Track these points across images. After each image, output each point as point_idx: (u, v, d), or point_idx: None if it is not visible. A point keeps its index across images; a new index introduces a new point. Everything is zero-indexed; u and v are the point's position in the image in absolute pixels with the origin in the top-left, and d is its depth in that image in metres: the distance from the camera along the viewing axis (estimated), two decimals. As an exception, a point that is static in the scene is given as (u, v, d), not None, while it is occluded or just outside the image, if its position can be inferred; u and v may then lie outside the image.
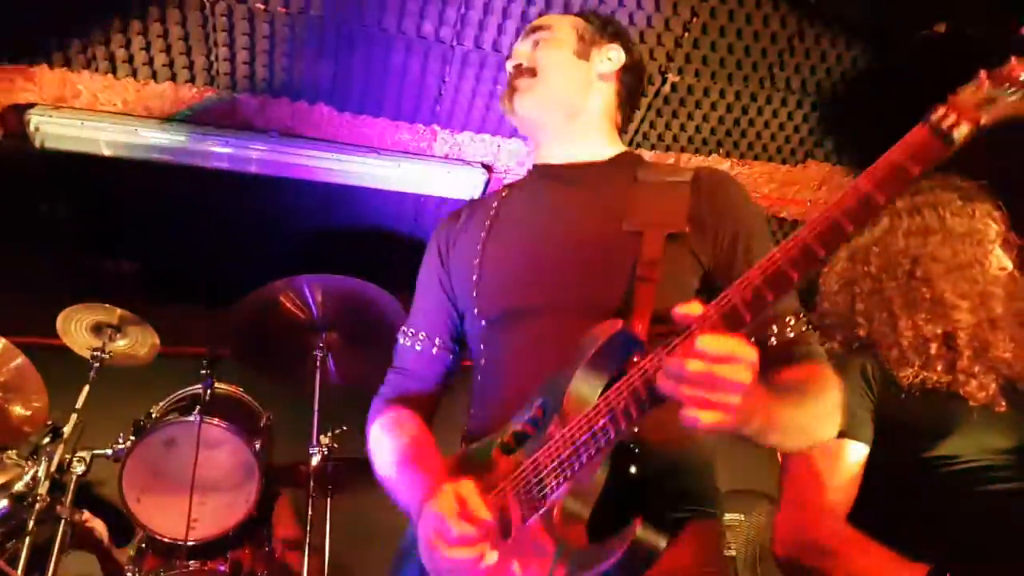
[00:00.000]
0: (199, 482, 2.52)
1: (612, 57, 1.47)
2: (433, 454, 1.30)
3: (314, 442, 2.75)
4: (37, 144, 2.56)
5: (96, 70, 2.45)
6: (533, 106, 1.42)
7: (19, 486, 2.61)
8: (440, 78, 2.55)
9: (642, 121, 2.79)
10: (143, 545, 2.76)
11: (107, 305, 2.85)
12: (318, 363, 2.89)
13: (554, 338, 1.18)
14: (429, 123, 2.72)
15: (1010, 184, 1.66)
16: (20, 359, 2.91)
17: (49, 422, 2.79)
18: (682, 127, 2.83)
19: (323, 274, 2.72)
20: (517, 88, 1.41)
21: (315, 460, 2.73)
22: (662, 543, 0.93)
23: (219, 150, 2.69)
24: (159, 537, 2.60)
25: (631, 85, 1.51)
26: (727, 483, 4.09)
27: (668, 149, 2.92)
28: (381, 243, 3.35)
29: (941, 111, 0.82)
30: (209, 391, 2.71)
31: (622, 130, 1.52)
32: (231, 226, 3.13)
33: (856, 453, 1.47)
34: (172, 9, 2.27)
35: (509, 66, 1.46)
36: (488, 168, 2.97)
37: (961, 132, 0.82)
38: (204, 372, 2.75)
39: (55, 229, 3.13)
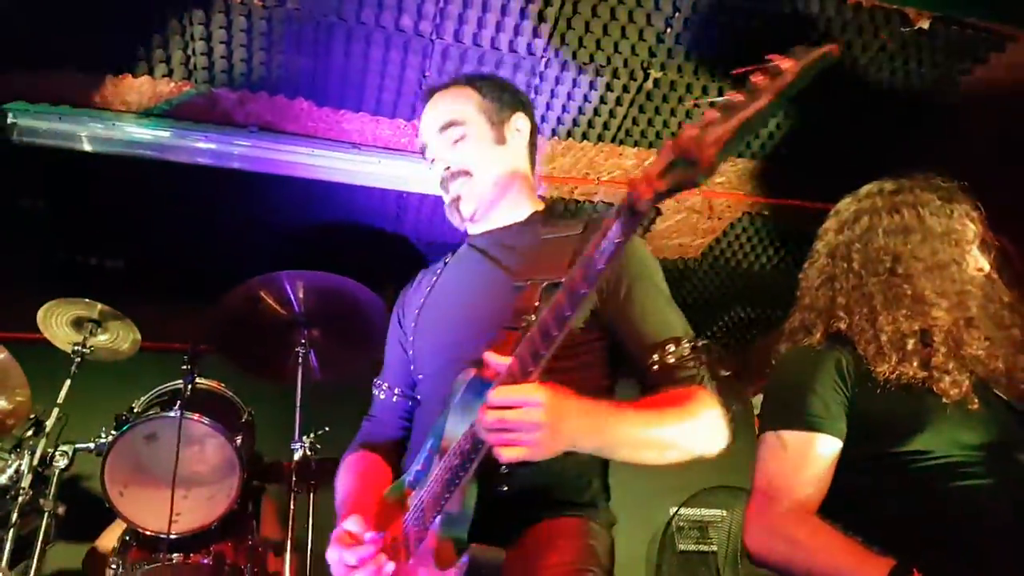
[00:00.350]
0: (181, 476, 2.53)
1: (520, 128, 1.61)
2: (369, 495, 1.47)
3: (296, 438, 2.77)
4: (15, 138, 2.54)
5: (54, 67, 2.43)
6: (479, 204, 1.55)
7: (2, 479, 2.63)
8: (420, 72, 2.54)
9: (624, 118, 2.79)
10: (127, 538, 2.77)
11: (87, 300, 2.85)
12: (300, 360, 2.89)
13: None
14: (409, 119, 2.71)
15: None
16: (2, 354, 2.92)
17: (32, 416, 2.80)
18: (664, 124, 2.83)
19: (304, 270, 2.72)
20: (461, 196, 1.52)
21: (297, 455, 2.75)
22: (500, 556, 1.12)
23: (201, 145, 2.69)
24: (142, 530, 2.62)
25: (535, 138, 1.65)
26: (710, 480, 4.13)
27: (651, 146, 2.92)
28: (363, 240, 3.35)
29: (629, 191, 0.98)
30: (191, 386, 2.71)
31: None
32: (213, 222, 3.12)
33: (828, 447, 1.48)
34: (148, 3, 2.25)
35: (439, 168, 1.57)
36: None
37: (643, 204, 0.96)
38: (186, 367, 2.74)
39: (35, 225, 3.11)
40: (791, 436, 1.48)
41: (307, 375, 2.91)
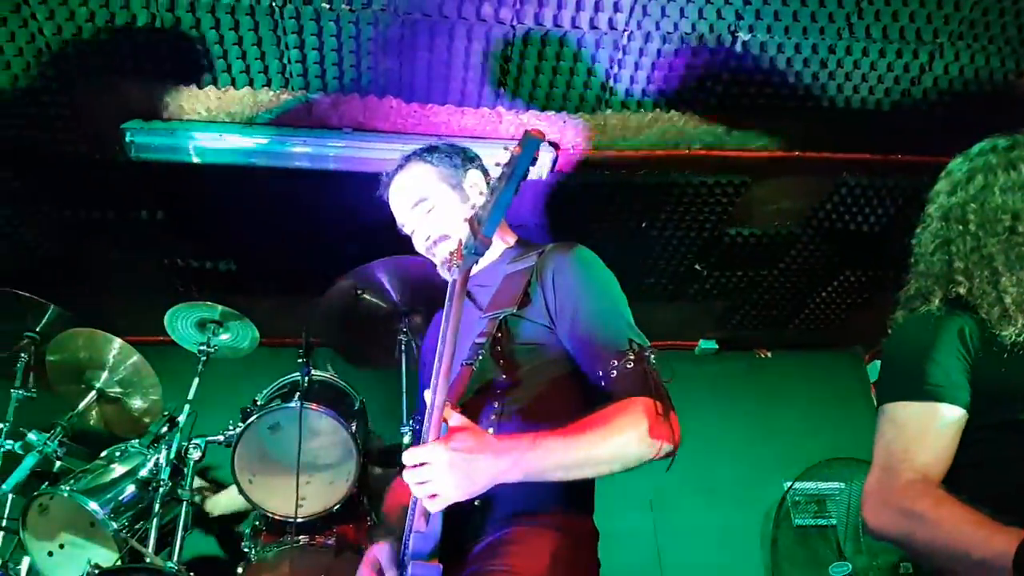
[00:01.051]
0: (304, 463, 2.70)
1: (476, 182, 1.80)
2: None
3: (404, 422, 2.89)
4: (133, 155, 2.75)
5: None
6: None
7: (144, 472, 2.86)
8: (503, 60, 2.56)
9: (714, 83, 2.72)
10: (256, 523, 2.97)
11: (209, 303, 3.05)
12: (403, 347, 3.01)
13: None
14: (494, 106, 2.75)
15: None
16: (135, 357, 3.19)
17: (165, 413, 3.04)
18: (758, 87, 2.74)
19: (395, 256, 2.80)
20: (449, 257, 1.61)
21: (406, 439, 2.86)
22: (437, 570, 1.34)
23: (299, 150, 2.82)
24: (271, 515, 2.79)
25: (489, 180, 1.81)
26: (824, 452, 4.02)
27: (742, 112, 2.83)
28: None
29: None
30: (307, 378, 2.87)
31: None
32: (315, 220, 3.26)
33: (950, 416, 1.42)
34: (244, 16, 2.37)
35: (420, 239, 1.77)
36: (555, 146, 2.97)
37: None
38: (301, 360, 2.90)
39: (156, 235, 3.35)
40: (911, 407, 1.44)
41: (410, 361, 3.02)
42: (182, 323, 3.12)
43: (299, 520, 2.74)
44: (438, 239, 1.73)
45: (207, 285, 3.69)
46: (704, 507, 4.13)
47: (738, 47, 2.58)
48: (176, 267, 3.61)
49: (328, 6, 2.34)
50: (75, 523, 2.82)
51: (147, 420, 3.25)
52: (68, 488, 2.67)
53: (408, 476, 1.31)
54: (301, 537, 2.81)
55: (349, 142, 2.82)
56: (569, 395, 1.51)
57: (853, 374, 4.69)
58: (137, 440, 3.03)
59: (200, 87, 2.61)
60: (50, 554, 2.80)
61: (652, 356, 1.45)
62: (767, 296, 4.16)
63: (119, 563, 2.60)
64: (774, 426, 4.38)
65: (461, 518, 1.40)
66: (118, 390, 3.27)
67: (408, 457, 1.31)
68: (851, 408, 4.37)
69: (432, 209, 1.75)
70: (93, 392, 3.20)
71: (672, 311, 4.22)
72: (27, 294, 3.12)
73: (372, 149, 2.82)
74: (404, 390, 2.98)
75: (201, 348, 3.09)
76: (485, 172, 1.84)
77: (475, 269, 1.71)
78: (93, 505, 2.63)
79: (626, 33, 2.50)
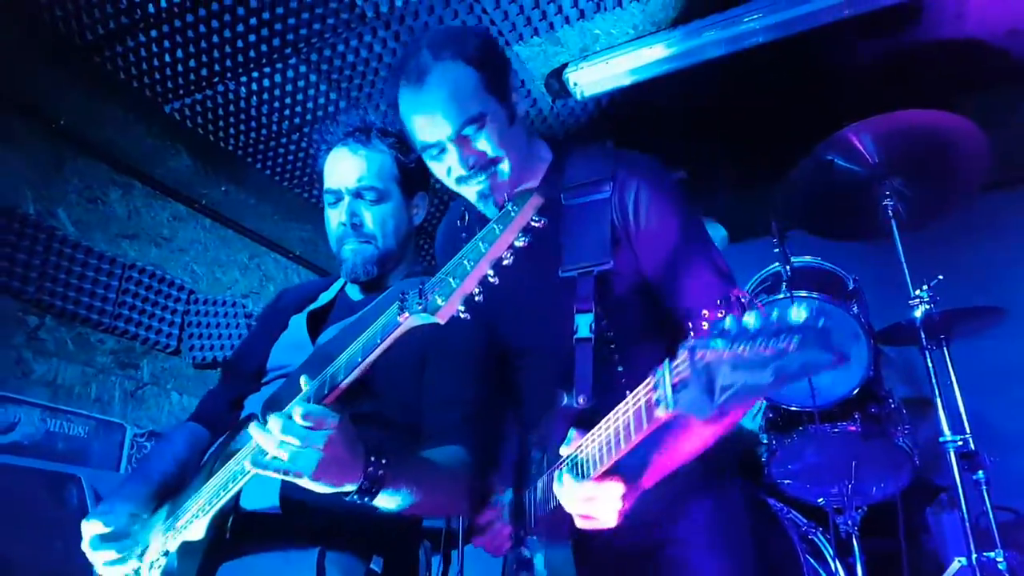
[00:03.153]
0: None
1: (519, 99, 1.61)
2: None
3: (911, 295, 2.63)
4: (579, 97, 2.94)
5: (604, 8, 2.67)
6: (513, 185, 1.55)
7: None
8: None
9: None
10: (770, 415, 3.03)
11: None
12: (890, 212, 2.73)
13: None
14: None
15: None
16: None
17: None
18: None
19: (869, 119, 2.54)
20: (495, 185, 1.52)
21: (918, 313, 2.61)
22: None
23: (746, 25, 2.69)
24: (785, 406, 2.81)
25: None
26: None
27: None
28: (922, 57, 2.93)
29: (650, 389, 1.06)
30: (788, 267, 2.79)
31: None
32: (762, 104, 3.13)
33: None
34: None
35: (459, 165, 1.50)
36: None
37: (661, 412, 1.02)
38: (776, 250, 2.83)
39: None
40: None
41: (900, 227, 2.74)
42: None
43: (818, 408, 2.71)
44: (486, 163, 1.49)
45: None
46: None
47: None
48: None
49: None
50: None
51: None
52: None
53: (571, 500, 1.24)
54: (825, 425, 2.78)
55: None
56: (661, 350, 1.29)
57: None
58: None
59: (622, 7, 2.66)
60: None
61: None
62: None
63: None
64: None
65: None
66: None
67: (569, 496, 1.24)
68: None
69: (482, 128, 1.47)
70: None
71: None
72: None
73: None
74: (902, 258, 2.71)
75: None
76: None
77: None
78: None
79: None
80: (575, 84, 2.94)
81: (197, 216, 3.84)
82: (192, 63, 2.92)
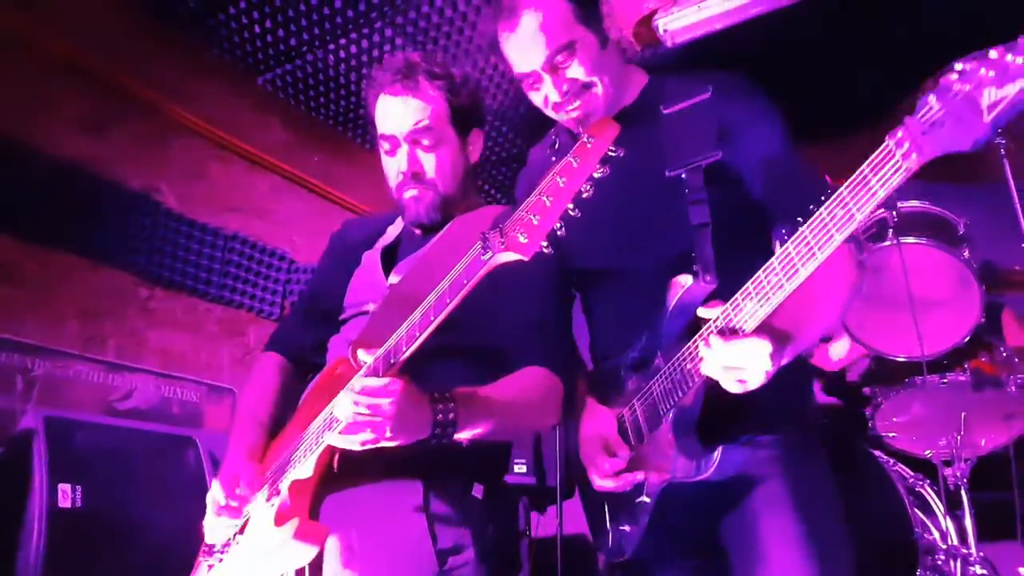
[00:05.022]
0: (919, 301, 2.57)
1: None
2: None
3: (1026, 236, 2.53)
4: (669, 44, 2.90)
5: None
6: (608, 110, 1.59)
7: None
8: None
9: None
10: (873, 367, 2.98)
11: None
12: (1003, 152, 2.62)
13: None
14: None
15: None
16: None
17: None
18: None
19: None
20: (591, 111, 1.57)
21: (1034, 255, 2.50)
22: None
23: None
24: (891, 356, 2.76)
25: None
26: None
27: None
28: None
29: (897, 136, 1.04)
30: (894, 212, 2.71)
31: None
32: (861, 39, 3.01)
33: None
34: None
35: (556, 92, 1.55)
36: None
37: (912, 161, 1.03)
38: (883, 195, 2.75)
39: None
40: None
41: (1014, 169, 2.61)
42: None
43: (926, 358, 2.64)
44: (579, 89, 1.54)
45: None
46: None
47: None
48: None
49: None
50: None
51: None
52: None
53: (723, 357, 1.25)
54: (931, 377, 2.72)
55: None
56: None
57: None
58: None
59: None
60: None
61: None
62: None
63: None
64: None
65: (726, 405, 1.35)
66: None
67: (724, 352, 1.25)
68: None
69: (574, 54, 1.52)
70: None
71: None
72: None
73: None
74: (1017, 202, 2.59)
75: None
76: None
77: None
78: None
79: None
80: (665, 31, 2.89)
81: (294, 187, 3.98)
82: (281, 32, 2.99)
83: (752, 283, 1.23)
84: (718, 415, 1.39)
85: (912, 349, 2.69)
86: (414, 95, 1.68)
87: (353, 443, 1.33)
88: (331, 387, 1.48)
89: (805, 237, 1.15)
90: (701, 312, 1.31)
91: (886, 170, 1.05)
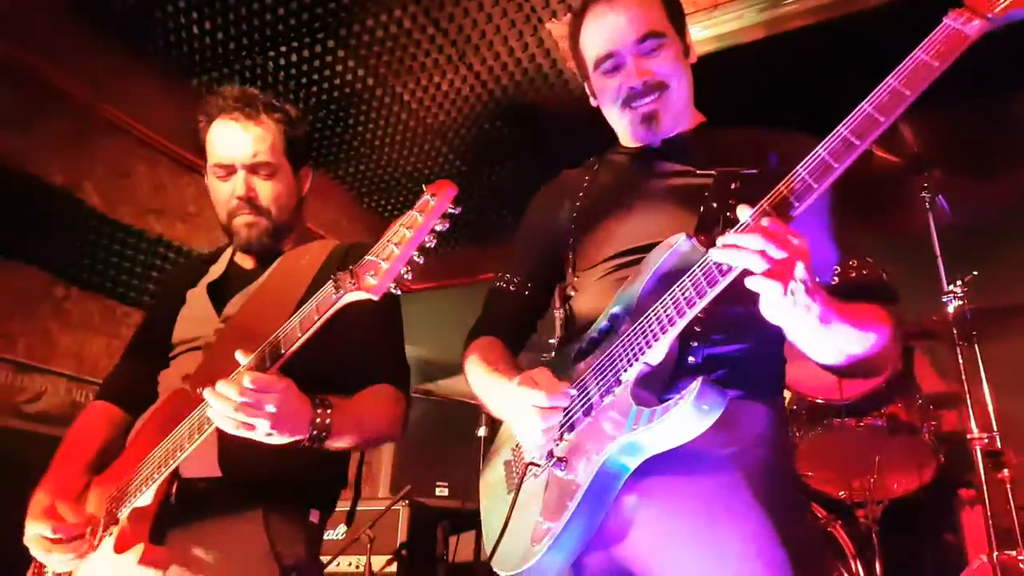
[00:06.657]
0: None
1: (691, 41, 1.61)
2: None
3: (944, 289, 2.62)
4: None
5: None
6: (673, 119, 1.55)
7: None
8: None
9: None
10: (794, 407, 3.03)
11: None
12: (928, 204, 2.71)
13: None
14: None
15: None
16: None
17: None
18: None
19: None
20: (658, 111, 1.53)
21: (951, 308, 2.62)
22: (723, 398, 1.15)
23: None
24: (810, 398, 2.82)
25: None
26: None
27: None
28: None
29: (956, 12, 1.08)
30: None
31: None
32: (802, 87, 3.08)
33: None
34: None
35: (633, 77, 1.52)
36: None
37: (973, 27, 1.05)
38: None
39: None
40: None
41: (938, 218, 2.72)
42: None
43: (845, 403, 2.71)
44: (657, 84, 1.49)
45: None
46: None
47: None
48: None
49: None
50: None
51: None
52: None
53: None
54: (847, 419, 2.79)
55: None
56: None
57: None
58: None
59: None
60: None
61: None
62: None
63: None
64: None
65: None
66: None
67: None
68: None
69: (661, 47, 1.49)
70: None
71: None
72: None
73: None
74: (937, 252, 2.70)
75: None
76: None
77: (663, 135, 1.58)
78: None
79: None
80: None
81: (223, 192, 3.87)
82: (220, 35, 2.93)
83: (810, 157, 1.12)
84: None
85: (831, 392, 2.75)
86: (256, 123, 1.74)
87: (234, 429, 1.36)
88: (171, 419, 1.52)
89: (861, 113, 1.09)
90: (741, 212, 1.15)
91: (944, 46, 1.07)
